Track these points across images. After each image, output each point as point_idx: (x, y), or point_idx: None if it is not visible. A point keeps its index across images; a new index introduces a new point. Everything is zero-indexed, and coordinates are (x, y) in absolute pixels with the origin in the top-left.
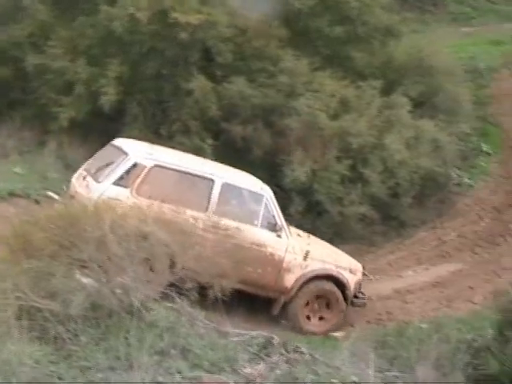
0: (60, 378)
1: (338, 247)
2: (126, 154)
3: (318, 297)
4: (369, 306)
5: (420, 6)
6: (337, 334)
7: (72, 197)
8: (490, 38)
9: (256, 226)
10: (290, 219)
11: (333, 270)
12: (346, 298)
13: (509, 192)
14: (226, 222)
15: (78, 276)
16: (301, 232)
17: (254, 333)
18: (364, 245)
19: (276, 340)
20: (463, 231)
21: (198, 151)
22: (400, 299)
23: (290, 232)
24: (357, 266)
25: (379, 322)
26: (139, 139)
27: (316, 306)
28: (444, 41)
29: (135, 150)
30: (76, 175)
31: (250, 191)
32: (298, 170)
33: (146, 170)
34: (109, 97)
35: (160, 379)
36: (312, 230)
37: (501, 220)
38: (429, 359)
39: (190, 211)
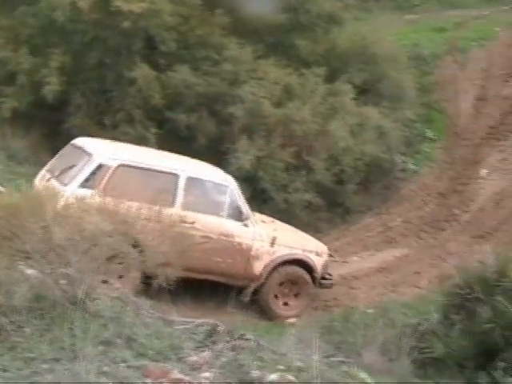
0: (4, 370)
1: None
2: (89, 154)
3: (287, 281)
4: (315, 292)
5: None
6: (292, 320)
7: None
8: (434, 25)
9: (222, 216)
10: None
11: (300, 254)
12: (314, 281)
13: (453, 178)
14: (192, 215)
15: (21, 267)
16: (265, 217)
17: (199, 321)
18: (309, 231)
19: (221, 327)
20: (408, 217)
21: (141, 140)
22: (346, 285)
23: (255, 220)
24: (323, 248)
25: (326, 308)
26: (82, 129)
27: (286, 290)
28: (387, 28)
29: (99, 151)
30: (39, 176)
31: (215, 183)
32: (242, 158)
33: (111, 171)
34: (52, 87)
35: (105, 369)
36: None
37: (445, 205)
38: (375, 344)
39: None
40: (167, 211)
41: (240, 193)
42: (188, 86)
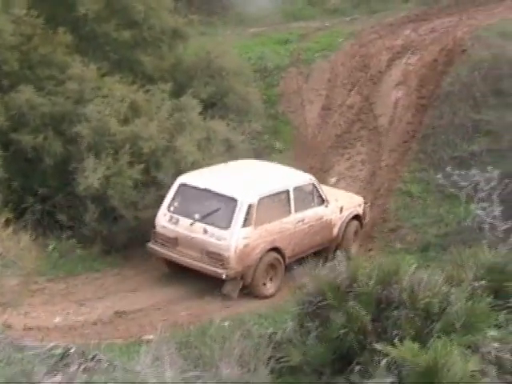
0: None
1: (136, 253)
2: (232, 198)
3: (353, 232)
4: (169, 308)
5: (207, 8)
6: (149, 337)
7: (175, 239)
8: (278, 37)
9: (314, 206)
10: (85, 227)
11: (354, 211)
12: (361, 225)
13: None
14: (301, 214)
15: None
16: (325, 188)
17: (51, 344)
18: None
19: (73, 350)
20: None
21: None
22: (201, 300)
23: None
24: (361, 199)
25: (182, 322)
26: None
27: (352, 236)
28: (232, 42)
29: (238, 193)
30: (165, 218)
31: (306, 183)
32: (90, 177)
33: (255, 206)
34: None
35: None
36: (109, 236)
37: None
38: (232, 356)
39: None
40: (288, 219)
41: (318, 183)
42: (32, 107)
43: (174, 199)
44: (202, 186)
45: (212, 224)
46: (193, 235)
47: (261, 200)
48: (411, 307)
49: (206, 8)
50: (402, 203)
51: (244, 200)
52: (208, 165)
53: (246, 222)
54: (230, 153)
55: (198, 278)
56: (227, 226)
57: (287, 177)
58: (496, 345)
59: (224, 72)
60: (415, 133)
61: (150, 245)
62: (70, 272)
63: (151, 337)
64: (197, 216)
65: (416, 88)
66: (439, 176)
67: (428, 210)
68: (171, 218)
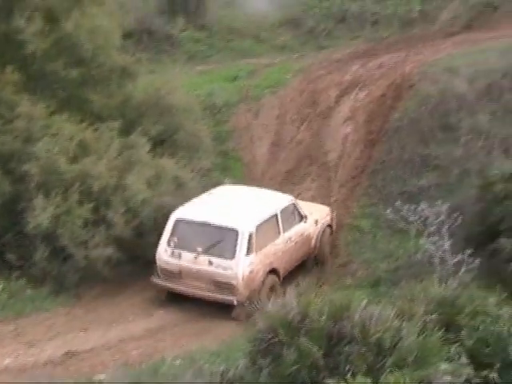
0: None
1: (86, 292)
2: (232, 230)
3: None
4: (120, 347)
5: (156, 45)
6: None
7: (179, 272)
8: (227, 74)
9: (296, 223)
10: (35, 267)
11: (325, 221)
12: (332, 231)
13: None
14: (288, 233)
15: None
16: (300, 203)
17: None
18: (113, 287)
19: None
20: None
21: None
22: (152, 338)
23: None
24: (328, 209)
25: (134, 361)
26: None
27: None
28: (181, 79)
29: (237, 224)
30: (167, 253)
31: (289, 204)
32: (40, 216)
33: (254, 234)
34: None
35: None
36: (59, 276)
37: None
38: None
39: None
40: (279, 240)
41: (297, 201)
42: None
43: (172, 235)
44: (199, 219)
45: (216, 255)
46: (198, 267)
47: (258, 227)
48: (363, 342)
49: (154, 46)
50: (352, 238)
51: (244, 230)
52: (158, 203)
53: (249, 250)
54: (180, 190)
55: (150, 317)
56: (232, 256)
57: (273, 200)
58: (448, 378)
59: (173, 109)
60: (364, 168)
61: (154, 279)
62: (20, 313)
63: (103, 377)
64: (199, 249)
65: (365, 123)
66: (389, 211)
67: (378, 245)
68: (173, 252)
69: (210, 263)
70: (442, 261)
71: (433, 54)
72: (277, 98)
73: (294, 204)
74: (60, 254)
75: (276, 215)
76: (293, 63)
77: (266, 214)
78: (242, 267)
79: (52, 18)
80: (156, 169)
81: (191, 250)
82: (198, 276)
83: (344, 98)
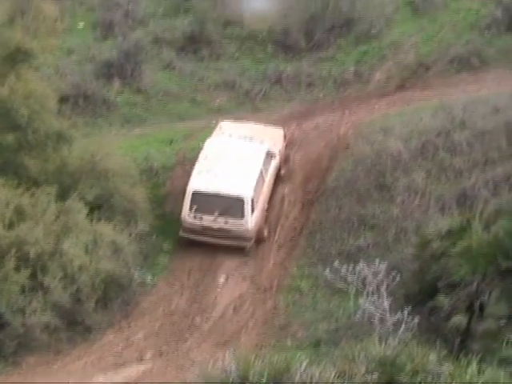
0: None
1: (24, 359)
2: (240, 198)
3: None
4: None
5: (92, 109)
6: None
7: (202, 229)
8: (163, 137)
9: (271, 163)
10: None
11: (283, 145)
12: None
13: (192, 286)
14: (268, 175)
15: None
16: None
17: None
18: (51, 353)
19: None
20: (151, 330)
21: None
22: None
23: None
24: (282, 131)
25: None
26: None
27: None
28: (118, 142)
29: (240, 192)
30: (190, 216)
31: (267, 152)
32: None
33: (253, 197)
34: None
35: None
36: None
37: (186, 315)
38: None
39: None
40: (265, 186)
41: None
42: None
43: (192, 203)
44: (211, 191)
45: (230, 216)
46: (217, 226)
47: (255, 189)
48: None
49: (91, 109)
50: (291, 299)
51: (248, 197)
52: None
53: (252, 210)
54: (117, 255)
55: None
56: (242, 216)
57: (258, 158)
58: None
59: (109, 174)
60: (302, 228)
61: (181, 233)
62: None
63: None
64: (216, 213)
65: (301, 184)
66: (327, 271)
67: (318, 305)
68: (195, 216)
69: (226, 222)
70: (382, 320)
71: (368, 114)
72: None
73: (269, 150)
74: None
75: (261, 170)
76: None
77: (256, 174)
78: (250, 223)
79: None
80: (93, 234)
81: (210, 213)
82: (218, 231)
83: None
